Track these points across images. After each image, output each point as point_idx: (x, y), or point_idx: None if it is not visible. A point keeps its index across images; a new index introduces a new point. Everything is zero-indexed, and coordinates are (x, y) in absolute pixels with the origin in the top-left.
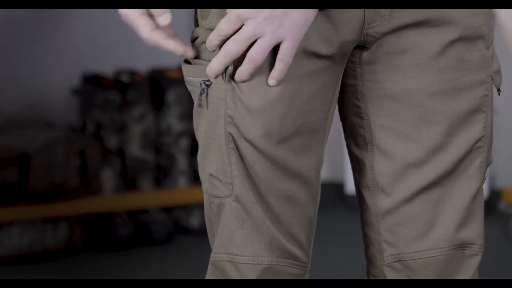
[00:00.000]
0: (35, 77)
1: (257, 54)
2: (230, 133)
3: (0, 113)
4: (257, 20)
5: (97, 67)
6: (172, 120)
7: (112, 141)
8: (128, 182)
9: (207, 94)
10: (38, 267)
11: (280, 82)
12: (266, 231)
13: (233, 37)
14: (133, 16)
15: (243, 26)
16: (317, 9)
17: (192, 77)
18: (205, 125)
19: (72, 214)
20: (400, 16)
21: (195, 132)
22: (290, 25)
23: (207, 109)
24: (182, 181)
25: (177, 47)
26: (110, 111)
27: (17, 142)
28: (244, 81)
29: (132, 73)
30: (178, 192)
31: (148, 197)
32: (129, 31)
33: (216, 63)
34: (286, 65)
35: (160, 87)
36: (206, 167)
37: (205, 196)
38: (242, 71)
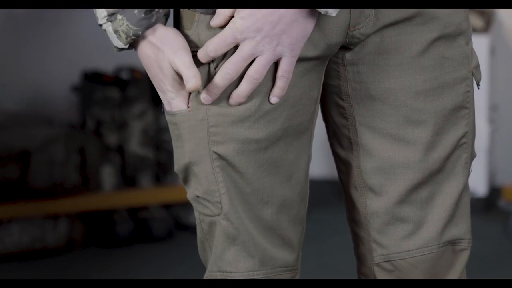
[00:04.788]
0: (35, 74)
1: (256, 73)
2: (216, 152)
3: (0, 110)
4: (255, 39)
5: (97, 64)
6: None
7: (112, 138)
8: (128, 179)
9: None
10: (38, 264)
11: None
12: (258, 245)
13: (230, 58)
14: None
15: (240, 46)
16: (315, 22)
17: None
18: (184, 147)
19: (72, 211)
20: (385, 16)
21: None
22: (290, 41)
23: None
24: None
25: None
26: (110, 108)
27: (17, 139)
28: (240, 103)
29: (132, 70)
30: (178, 189)
31: (148, 194)
32: None
33: (214, 87)
34: (286, 82)
35: None
36: (191, 188)
37: (196, 215)
38: (241, 92)
